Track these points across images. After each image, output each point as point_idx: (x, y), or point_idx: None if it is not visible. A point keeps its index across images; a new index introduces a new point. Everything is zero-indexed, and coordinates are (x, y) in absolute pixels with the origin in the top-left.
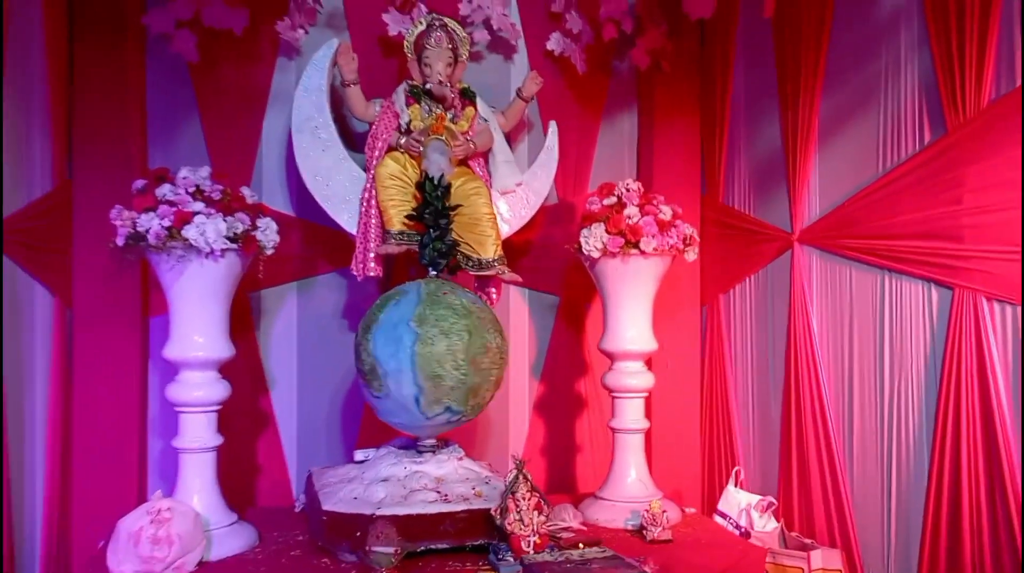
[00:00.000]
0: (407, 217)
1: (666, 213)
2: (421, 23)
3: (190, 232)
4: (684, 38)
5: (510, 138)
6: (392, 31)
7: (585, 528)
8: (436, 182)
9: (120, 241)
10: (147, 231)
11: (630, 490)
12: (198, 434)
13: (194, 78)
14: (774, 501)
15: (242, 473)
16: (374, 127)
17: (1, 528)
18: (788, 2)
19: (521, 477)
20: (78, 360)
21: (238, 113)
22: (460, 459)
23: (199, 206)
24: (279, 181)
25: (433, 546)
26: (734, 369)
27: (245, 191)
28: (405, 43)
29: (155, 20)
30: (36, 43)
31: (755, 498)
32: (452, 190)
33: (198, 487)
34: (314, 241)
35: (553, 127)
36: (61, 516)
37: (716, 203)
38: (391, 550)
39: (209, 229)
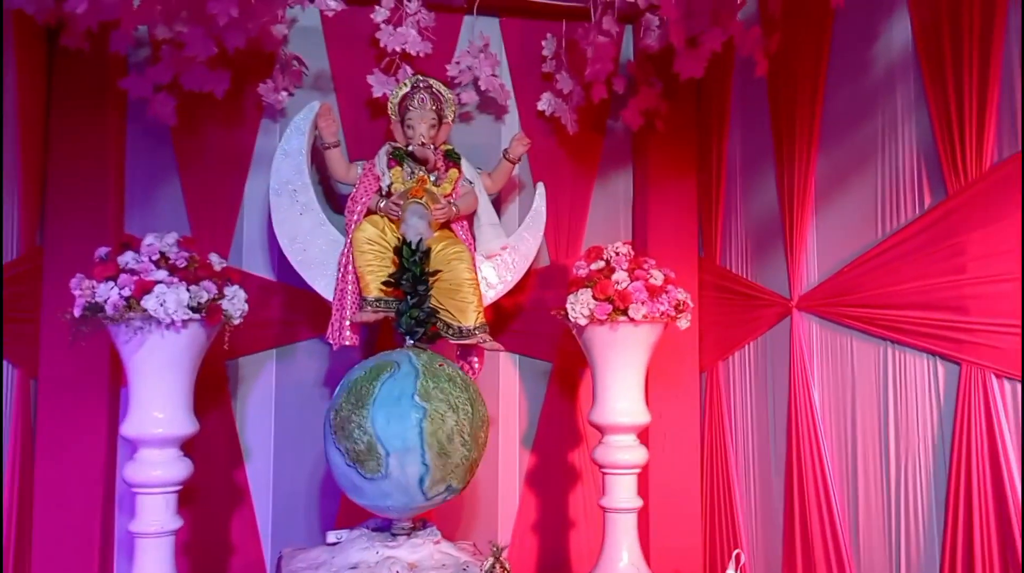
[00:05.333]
0: (384, 283)
1: (657, 278)
2: (405, 84)
3: (149, 302)
4: (679, 98)
5: (499, 199)
6: (377, 92)
7: None
8: (414, 247)
9: (77, 312)
10: (105, 301)
11: None
12: (155, 517)
13: (175, 141)
14: None
15: (214, 552)
16: (354, 190)
17: None
18: (782, 62)
19: (498, 566)
20: (41, 434)
21: (219, 176)
22: (437, 542)
23: (161, 274)
24: (260, 245)
25: None
26: (734, 441)
27: (213, 258)
28: (389, 104)
29: (133, 84)
30: (8, 105)
31: None
32: (432, 255)
33: None
34: (295, 307)
35: (540, 189)
36: None
37: (714, 266)
38: None
39: (169, 299)
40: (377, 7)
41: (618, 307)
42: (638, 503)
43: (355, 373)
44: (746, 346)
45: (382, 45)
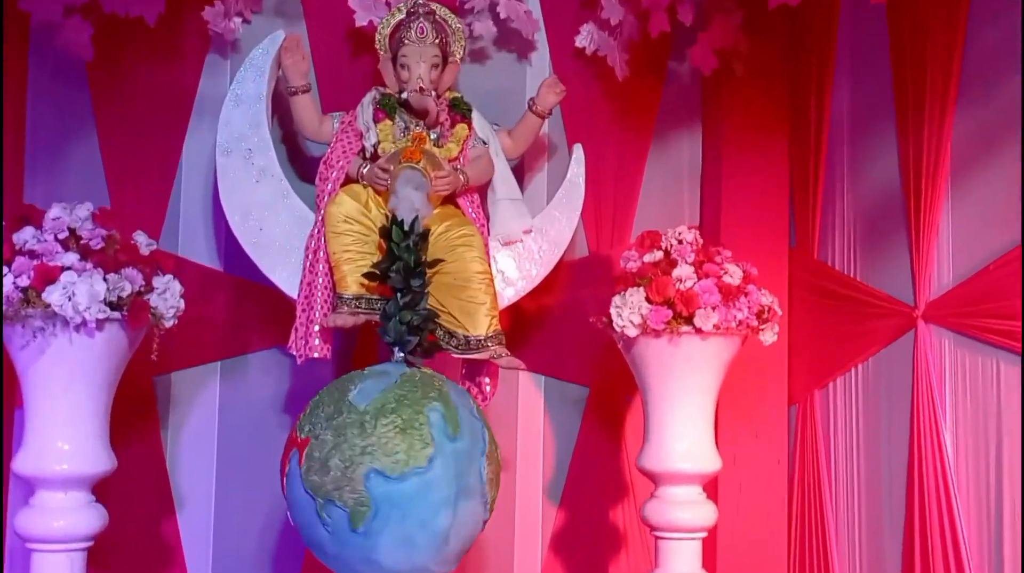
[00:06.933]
0: (366, 276)
1: (734, 275)
2: (399, 11)
3: (53, 295)
4: (766, 32)
5: (523, 166)
6: (361, 21)
7: None
8: (407, 227)
9: None
10: None
11: None
12: None
13: (92, 82)
14: None
15: None
16: (328, 151)
17: None
18: None
19: None
20: None
21: (150, 130)
22: None
23: (70, 258)
24: (203, 222)
25: None
26: (834, 497)
27: (140, 238)
28: (377, 36)
29: (38, 5)
30: None
31: None
32: (431, 239)
33: None
34: (247, 306)
35: (578, 153)
36: None
37: (810, 261)
38: None
39: (80, 291)
40: None
41: (680, 313)
42: None
43: (461, 404)
44: (853, 369)
45: None
